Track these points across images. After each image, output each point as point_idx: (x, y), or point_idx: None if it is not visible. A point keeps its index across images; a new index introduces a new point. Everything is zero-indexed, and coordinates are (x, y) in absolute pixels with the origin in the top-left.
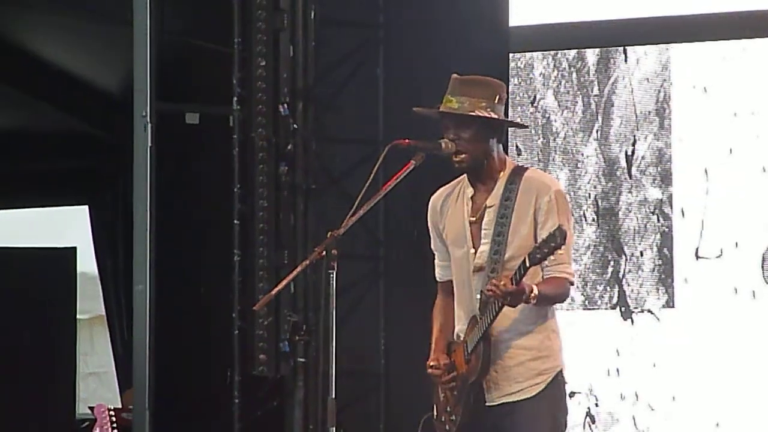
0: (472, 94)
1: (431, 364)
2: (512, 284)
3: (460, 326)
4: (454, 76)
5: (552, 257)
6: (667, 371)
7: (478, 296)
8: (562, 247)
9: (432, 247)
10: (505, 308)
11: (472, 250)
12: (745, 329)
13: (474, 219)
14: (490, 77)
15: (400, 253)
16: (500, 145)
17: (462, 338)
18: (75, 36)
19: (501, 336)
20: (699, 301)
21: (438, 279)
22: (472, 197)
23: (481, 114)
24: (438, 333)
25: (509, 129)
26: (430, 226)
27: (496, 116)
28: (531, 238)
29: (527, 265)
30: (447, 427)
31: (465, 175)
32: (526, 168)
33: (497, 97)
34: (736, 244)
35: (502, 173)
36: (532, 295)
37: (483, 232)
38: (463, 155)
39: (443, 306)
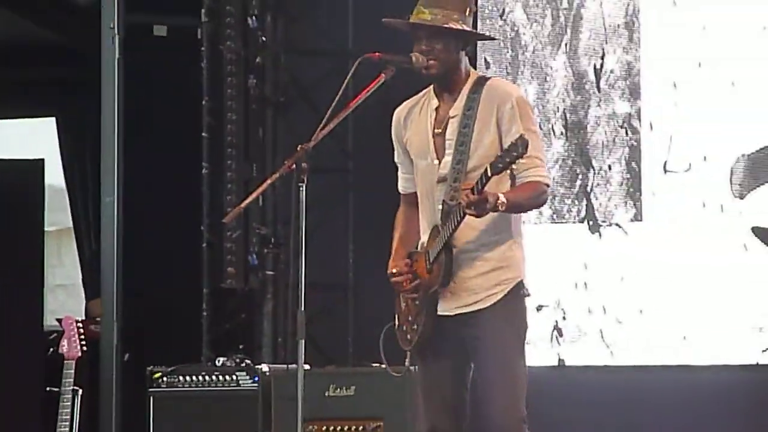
0: (444, 5)
1: (392, 271)
2: (473, 194)
3: (423, 237)
4: None
5: (522, 162)
6: (634, 285)
7: (440, 206)
8: (530, 151)
9: (396, 159)
10: (470, 219)
11: (436, 161)
12: (713, 243)
13: (438, 130)
14: None
15: (369, 165)
16: (466, 58)
17: (424, 248)
18: None
19: (464, 247)
20: (667, 215)
21: (401, 191)
22: (436, 108)
23: (454, 26)
24: (398, 242)
25: (478, 42)
26: (394, 139)
27: (467, 28)
28: (496, 147)
29: (489, 174)
30: (409, 336)
31: (431, 87)
32: (489, 78)
33: (468, 10)
34: (705, 158)
35: (466, 84)
36: (499, 202)
37: (447, 142)
38: (433, 63)
39: (405, 217)
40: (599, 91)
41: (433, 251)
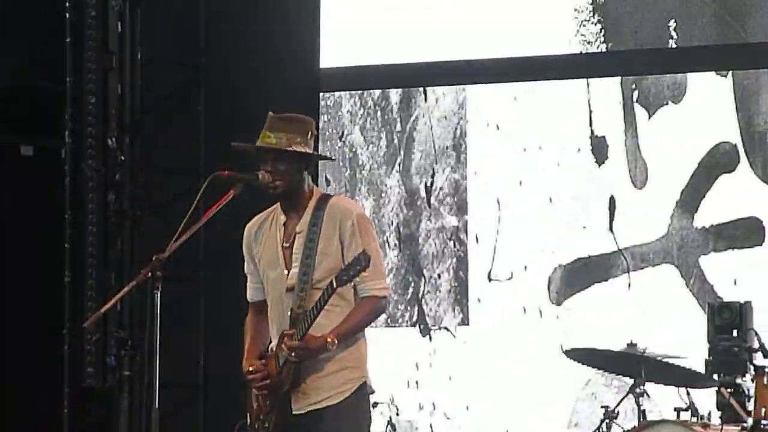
0: (287, 130)
1: (249, 369)
2: (298, 339)
3: (273, 341)
4: (271, 114)
5: (364, 275)
6: (462, 383)
7: (289, 313)
8: (368, 267)
9: (245, 270)
10: (319, 321)
11: (285, 272)
12: (533, 344)
13: (287, 244)
14: (302, 115)
15: (219, 275)
16: (309, 176)
17: (274, 351)
18: None
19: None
20: (491, 319)
21: (250, 299)
22: (284, 224)
23: (297, 149)
24: (250, 343)
25: (319, 162)
26: (244, 251)
27: (309, 151)
28: (339, 260)
29: (334, 286)
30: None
31: (278, 204)
32: (332, 195)
33: (309, 133)
34: (525, 267)
35: (310, 201)
36: (329, 344)
37: (294, 255)
38: (279, 183)
39: (254, 322)
40: (430, 206)
41: (282, 356)
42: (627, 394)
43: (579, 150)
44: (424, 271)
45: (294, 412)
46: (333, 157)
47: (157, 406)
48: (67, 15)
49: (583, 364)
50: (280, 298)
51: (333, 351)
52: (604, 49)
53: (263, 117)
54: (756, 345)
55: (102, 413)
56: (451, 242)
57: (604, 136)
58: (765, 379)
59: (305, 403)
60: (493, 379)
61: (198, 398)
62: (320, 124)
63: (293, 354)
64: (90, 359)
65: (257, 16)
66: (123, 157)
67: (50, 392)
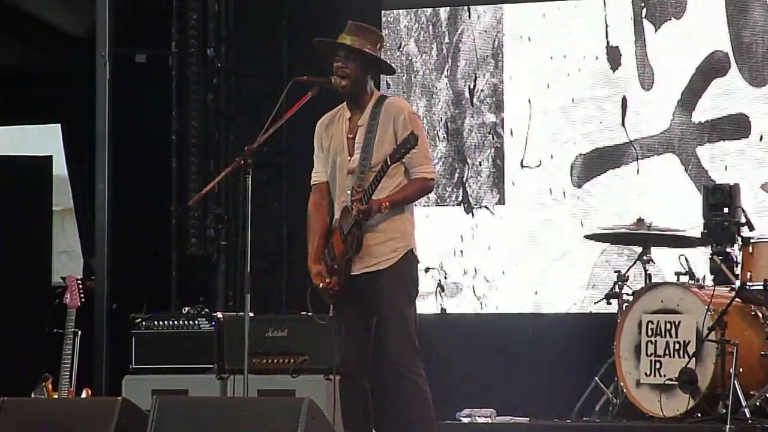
0: (362, 35)
1: (317, 281)
2: (362, 204)
3: (337, 215)
4: (350, 21)
5: (409, 157)
6: (499, 252)
7: (349, 192)
8: (417, 147)
9: (314, 157)
10: (375, 196)
11: (348, 158)
12: (558, 219)
13: (351, 135)
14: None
15: (297, 161)
16: (372, 81)
17: (338, 223)
18: None
19: (367, 223)
20: (523, 200)
21: (314, 181)
22: (349, 119)
23: (367, 51)
24: (316, 241)
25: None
26: (315, 141)
27: (377, 55)
28: (392, 148)
29: (389, 162)
30: (330, 293)
31: (345, 103)
32: (388, 96)
33: (379, 44)
34: (551, 156)
35: (371, 101)
36: (383, 207)
37: (356, 144)
38: (346, 83)
39: (315, 208)
40: (472, 105)
41: (346, 227)
42: (635, 261)
43: (597, 58)
44: (468, 159)
45: (351, 273)
46: (393, 68)
47: (248, 269)
48: None
49: (600, 242)
50: (343, 179)
51: (384, 225)
52: None
53: (335, 30)
54: (743, 220)
55: (203, 276)
56: (490, 135)
57: (617, 46)
58: (750, 249)
59: (360, 266)
60: (525, 249)
61: (281, 263)
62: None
63: (360, 214)
64: (193, 232)
65: None
66: (219, 64)
67: (161, 258)
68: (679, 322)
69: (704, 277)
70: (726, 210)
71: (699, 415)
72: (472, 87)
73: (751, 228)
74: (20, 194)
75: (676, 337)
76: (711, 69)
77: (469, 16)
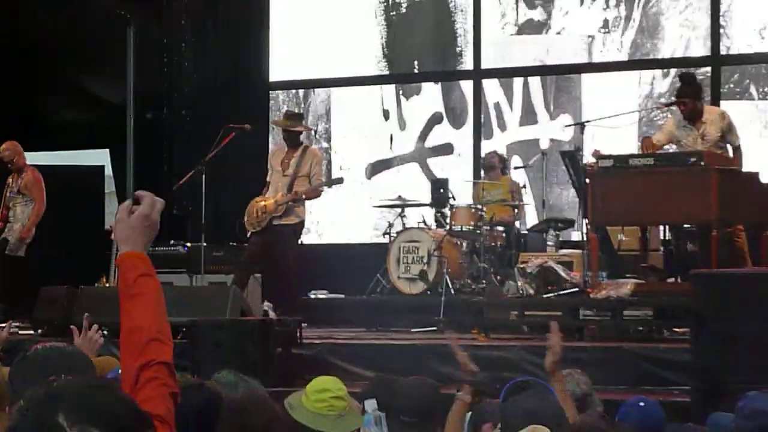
0: (293, 119)
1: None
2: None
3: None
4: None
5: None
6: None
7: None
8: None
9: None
10: None
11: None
12: (361, 198)
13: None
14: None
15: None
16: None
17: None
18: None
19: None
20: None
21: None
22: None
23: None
24: None
25: None
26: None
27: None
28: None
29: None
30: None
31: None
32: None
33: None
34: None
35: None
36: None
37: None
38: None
39: None
40: None
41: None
42: (397, 216)
43: None
44: None
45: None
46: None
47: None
48: None
49: (381, 207)
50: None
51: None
52: None
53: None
54: (450, 195)
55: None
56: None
57: None
58: (454, 209)
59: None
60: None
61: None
62: None
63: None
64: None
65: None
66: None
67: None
68: (419, 247)
69: (432, 224)
70: (442, 191)
71: (429, 293)
72: None
73: (454, 199)
74: (85, 187)
75: (417, 254)
76: None
77: None
